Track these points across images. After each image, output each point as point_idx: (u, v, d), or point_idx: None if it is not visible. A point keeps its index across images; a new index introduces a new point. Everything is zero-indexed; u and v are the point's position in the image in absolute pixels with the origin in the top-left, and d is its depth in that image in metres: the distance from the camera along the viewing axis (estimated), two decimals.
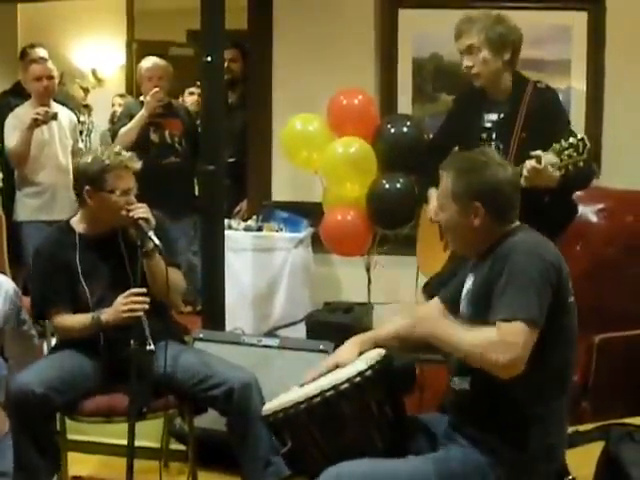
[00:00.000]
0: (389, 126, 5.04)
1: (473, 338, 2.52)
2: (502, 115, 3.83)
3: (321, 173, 5.07)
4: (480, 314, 2.61)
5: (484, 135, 3.85)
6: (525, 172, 3.43)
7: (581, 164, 3.42)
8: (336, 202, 5.10)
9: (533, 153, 3.42)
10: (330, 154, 5.00)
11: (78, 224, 3.77)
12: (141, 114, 5.67)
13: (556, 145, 3.40)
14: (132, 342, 3.33)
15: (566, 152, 3.37)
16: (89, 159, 3.63)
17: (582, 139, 3.37)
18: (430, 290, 3.89)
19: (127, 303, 3.49)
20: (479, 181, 2.69)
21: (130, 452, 3.32)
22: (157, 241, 3.50)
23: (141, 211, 3.59)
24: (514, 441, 2.57)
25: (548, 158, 3.41)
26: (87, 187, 3.62)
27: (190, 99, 7.24)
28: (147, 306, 3.48)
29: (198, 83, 6.63)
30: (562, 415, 2.66)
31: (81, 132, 6.44)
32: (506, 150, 3.74)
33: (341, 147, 4.98)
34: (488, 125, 3.86)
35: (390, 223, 5.04)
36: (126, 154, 3.67)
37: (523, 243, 2.62)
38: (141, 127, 5.66)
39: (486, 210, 2.67)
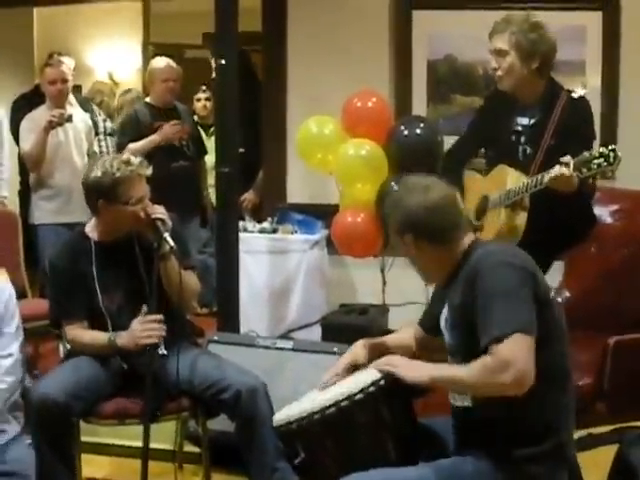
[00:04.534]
0: (402, 128, 5.03)
1: (471, 371, 2.47)
2: (533, 120, 3.80)
3: (335, 175, 5.07)
4: (463, 340, 2.58)
5: (513, 137, 3.84)
6: (552, 175, 3.41)
7: (610, 174, 3.41)
8: (350, 204, 5.09)
9: (563, 159, 3.40)
10: (342, 156, 5.00)
11: (93, 231, 3.75)
12: (153, 138, 5.72)
13: (586, 153, 3.36)
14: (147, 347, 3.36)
15: (596, 161, 3.34)
16: (99, 172, 3.56)
17: (614, 149, 3.33)
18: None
19: (144, 330, 3.48)
20: (398, 216, 2.73)
21: (145, 454, 3.33)
22: (172, 243, 3.50)
23: (159, 211, 3.59)
24: (525, 449, 2.53)
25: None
26: (101, 200, 3.59)
27: (199, 105, 7.24)
28: (164, 333, 3.47)
29: (203, 88, 6.68)
30: (569, 414, 2.63)
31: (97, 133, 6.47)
32: (534, 155, 3.74)
33: (352, 149, 4.98)
34: (519, 128, 3.84)
35: None
36: (135, 161, 3.62)
37: (487, 257, 2.57)
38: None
39: (417, 239, 2.69)
